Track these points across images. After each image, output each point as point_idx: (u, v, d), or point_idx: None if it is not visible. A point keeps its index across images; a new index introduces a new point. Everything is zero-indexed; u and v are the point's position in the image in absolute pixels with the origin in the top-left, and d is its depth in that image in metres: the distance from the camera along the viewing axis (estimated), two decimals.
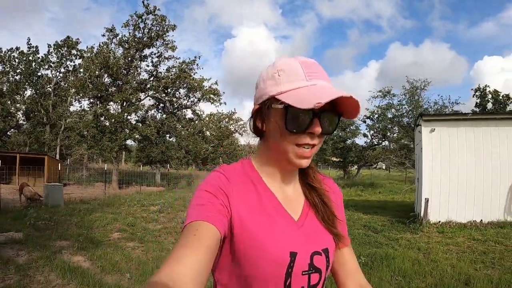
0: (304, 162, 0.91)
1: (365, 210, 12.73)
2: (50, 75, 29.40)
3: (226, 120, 44.69)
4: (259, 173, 0.98)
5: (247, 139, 45.54)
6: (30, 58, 28.00)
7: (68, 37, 28.82)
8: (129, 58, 22.25)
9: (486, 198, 10.17)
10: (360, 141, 31.92)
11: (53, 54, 28.78)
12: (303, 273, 0.89)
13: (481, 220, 9.99)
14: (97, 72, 21.78)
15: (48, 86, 29.15)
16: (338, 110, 0.90)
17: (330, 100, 0.81)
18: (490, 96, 35.28)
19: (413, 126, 19.90)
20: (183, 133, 25.64)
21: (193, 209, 0.83)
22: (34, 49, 28.27)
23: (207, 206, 0.83)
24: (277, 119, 0.89)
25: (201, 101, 25.86)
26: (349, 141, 32.38)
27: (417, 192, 11.79)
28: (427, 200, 10.08)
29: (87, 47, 30.17)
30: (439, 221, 9.97)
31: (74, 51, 29.06)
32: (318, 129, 0.86)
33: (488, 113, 14.48)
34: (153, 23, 22.31)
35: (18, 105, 28.50)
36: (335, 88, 0.86)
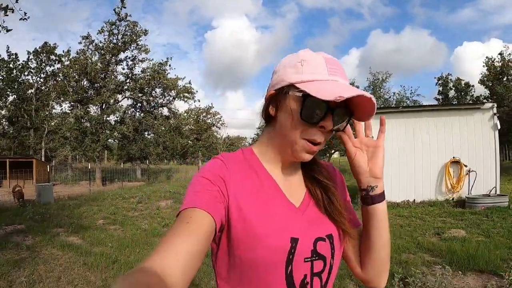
0: (307, 157, 0.91)
1: None
2: (31, 81, 30.62)
3: (204, 114, 46.28)
4: (259, 159, 0.98)
5: (225, 132, 47.10)
6: (11, 65, 29.14)
7: (45, 42, 30.02)
8: (106, 63, 23.67)
9: (419, 180, 11.43)
10: None
11: (32, 60, 29.96)
12: (306, 260, 0.87)
13: (414, 199, 11.32)
14: (76, 76, 23.24)
15: (30, 91, 30.34)
16: (351, 110, 0.90)
17: (346, 99, 0.81)
18: (451, 84, 37.46)
19: None
20: (162, 128, 27.33)
21: (188, 196, 0.83)
22: (14, 57, 29.40)
23: (203, 193, 0.82)
24: (293, 107, 0.88)
25: (176, 99, 27.59)
26: None
27: None
28: None
29: (63, 51, 31.35)
30: None
31: (52, 56, 30.27)
32: (330, 124, 0.87)
33: (417, 106, 15.89)
34: (126, 29, 23.77)
35: (3, 112, 29.59)
36: (355, 88, 0.85)
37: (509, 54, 31.76)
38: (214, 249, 0.91)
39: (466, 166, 11.05)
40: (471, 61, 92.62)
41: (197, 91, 28.17)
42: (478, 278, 4.75)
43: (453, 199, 11.02)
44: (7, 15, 5.22)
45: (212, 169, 0.89)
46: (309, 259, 0.88)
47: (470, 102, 33.90)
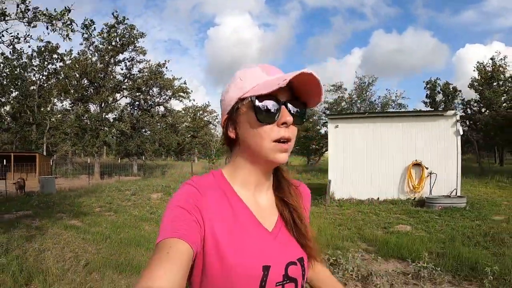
0: (283, 156, 0.91)
1: None
2: (34, 78, 31.93)
3: (201, 112, 47.53)
4: (230, 184, 0.98)
5: (220, 130, 48.18)
6: (15, 63, 30.38)
7: (48, 41, 31.34)
8: (105, 64, 25.00)
9: (383, 180, 12.37)
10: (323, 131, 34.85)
11: (36, 58, 31.22)
12: (277, 284, 0.90)
13: (378, 198, 12.27)
14: (77, 75, 24.62)
15: (32, 87, 31.60)
16: (302, 100, 0.93)
17: (294, 92, 0.90)
18: (439, 88, 38.39)
19: None
20: (159, 126, 28.77)
21: (165, 226, 0.83)
22: (18, 55, 30.65)
23: (180, 223, 0.83)
24: (247, 117, 0.91)
25: (172, 98, 29.02)
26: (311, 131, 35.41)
27: None
28: (329, 181, 12.48)
29: (65, 50, 32.62)
30: (342, 198, 12.25)
31: (54, 55, 31.55)
32: (290, 118, 0.88)
33: (384, 112, 16.71)
34: (124, 32, 25.12)
35: (7, 108, 30.82)
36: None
37: (501, 59, 32.02)
38: (188, 276, 0.89)
39: (427, 168, 12.02)
40: (473, 63, 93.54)
41: (191, 91, 29.45)
42: (398, 264, 5.78)
43: (414, 198, 11.94)
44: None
45: (187, 198, 0.89)
46: (281, 283, 0.90)
47: (460, 106, 34.94)
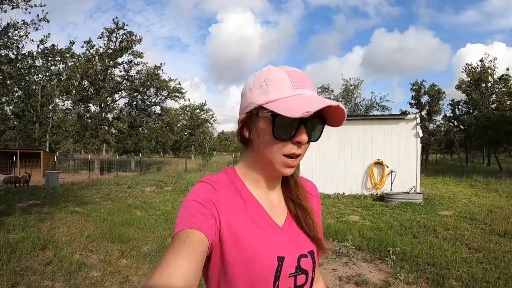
0: (288, 171, 0.96)
1: None
2: (37, 78, 33.44)
3: (198, 111, 49.15)
4: (243, 181, 1.02)
5: (216, 128, 49.91)
6: (19, 65, 31.87)
7: (53, 44, 32.89)
8: (105, 67, 26.60)
9: (348, 177, 13.51)
10: None
11: (39, 59, 32.73)
12: (290, 275, 0.94)
13: (343, 193, 13.44)
14: (78, 76, 26.25)
15: (35, 88, 33.11)
16: (323, 117, 0.93)
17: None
18: (423, 91, 39.57)
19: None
20: (156, 125, 30.42)
21: (182, 218, 0.86)
22: (23, 56, 32.18)
23: (195, 215, 0.86)
24: (264, 127, 0.92)
25: (167, 99, 30.72)
26: None
27: None
28: None
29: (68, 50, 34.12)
30: None
31: (57, 58, 33.10)
32: (305, 138, 0.90)
33: (349, 116, 17.44)
34: (123, 38, 26.75)
35: (12, 107, 32.35)
36: (322, 98, 0.90)
37: (490, 61, 32.55)
38: (206, 268, 0.95)
39: (388, 167, 13.19)
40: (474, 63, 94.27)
41: (185, 91, 31.10)
42: (329, 243, 6.78)
43: (377, 194, 13.02)
44: None
45: (202, 193, 0.93)
46: (293, 274, 0.94)
47: (449, 106, 36.03)
